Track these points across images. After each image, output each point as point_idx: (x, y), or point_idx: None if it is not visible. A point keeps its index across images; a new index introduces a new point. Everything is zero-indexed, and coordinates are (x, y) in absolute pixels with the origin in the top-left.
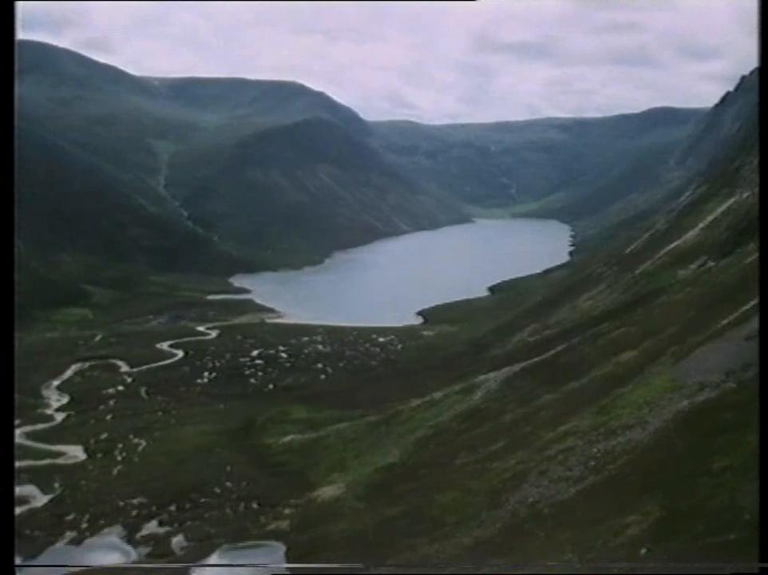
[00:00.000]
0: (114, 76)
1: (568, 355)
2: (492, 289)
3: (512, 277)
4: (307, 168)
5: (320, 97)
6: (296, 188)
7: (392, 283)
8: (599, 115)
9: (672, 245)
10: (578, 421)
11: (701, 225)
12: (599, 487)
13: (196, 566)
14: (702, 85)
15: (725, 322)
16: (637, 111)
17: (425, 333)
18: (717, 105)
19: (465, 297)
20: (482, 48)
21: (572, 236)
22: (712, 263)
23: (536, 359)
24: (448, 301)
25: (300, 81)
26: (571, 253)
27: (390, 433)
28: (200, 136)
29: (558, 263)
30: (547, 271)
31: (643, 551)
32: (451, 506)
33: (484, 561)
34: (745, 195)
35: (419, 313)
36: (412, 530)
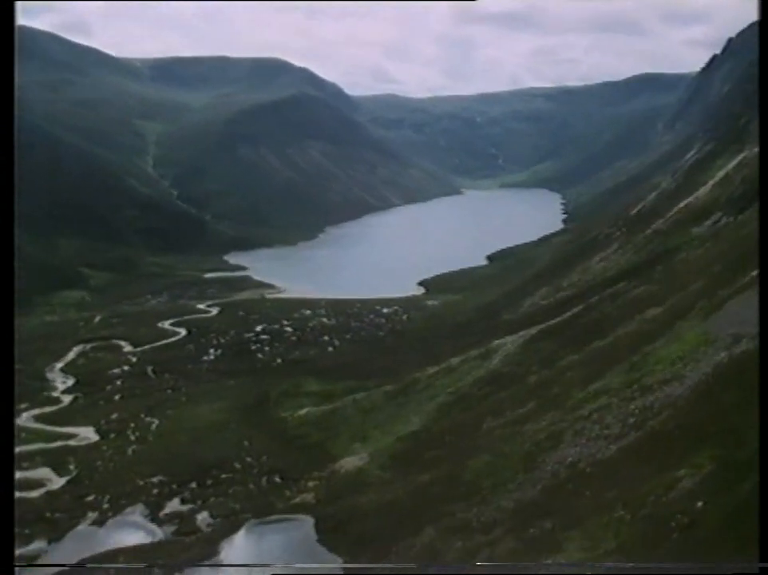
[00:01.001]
0: (97, 59)
1: (588, 315)
2: (490, 258)
3: (510, 245)
4: (296, 144)
5: (305, 72)
6: (286, 164)
7: (389, 255)
8: (582, 84)
9: (683, 203)
10: (609, 379)
11: (711, 182)
12: (642, 443)
13: (196, 566)
14: (686, 50)
15: (754, 273)
16: (622, 78)
17: (429, 303)
18: (704, 69)
19: (464, 266)
20: (465, 19)
21: (564, 204)
22: (727, 219)
23: (554, 321)
24: (448, 271)
25: (283, 58)
26: (564, 220)
27: (409, 401)
28: (187, 116)
29: (552, 230)
30: (545, 238)
31: (700, 504)
32: (485, 471)
33: (529, 523)
34: (756, 150)
35: (420, 283)
36: (447, 496)
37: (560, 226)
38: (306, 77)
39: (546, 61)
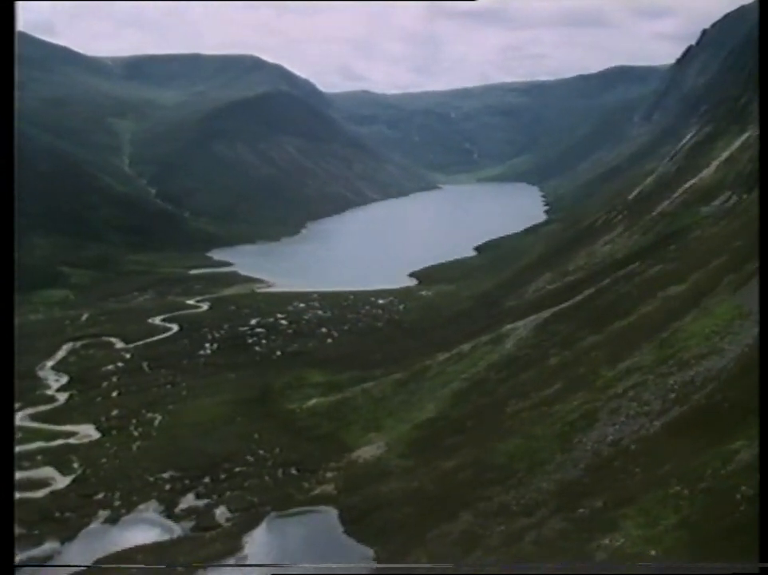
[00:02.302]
0: (66, 56)
1: (604, 296)
2: (478, 249)
3: (495, 237)
4: (272, 140)
5: (278, 69)
6: (262, 160)
7: (376, 249)
8: (552, 78)
9: (688, 184)
10: (639, 357)
11: (716, 163)
12: (688, 418)
13: (197, 567)
14: (655, 43)
15: None
16: (594, 71)
17: (423, 293)
18: (679, 60)
19: (452, 258)
20: (433, 16)
21: (543, 196)
22: (738, 197)
23: (567, 304)
24: (437, 263)
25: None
26: (546, 212)
27: (421, 388)
28: (160, 113)
29: (536, 221)
30: (532, 229)
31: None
32: (517, 453)
33: (576, 503)
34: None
35: (411, 275)
36: (478, 481)
37: (542, 217)
38: (280, 74)
39: (514, 57)
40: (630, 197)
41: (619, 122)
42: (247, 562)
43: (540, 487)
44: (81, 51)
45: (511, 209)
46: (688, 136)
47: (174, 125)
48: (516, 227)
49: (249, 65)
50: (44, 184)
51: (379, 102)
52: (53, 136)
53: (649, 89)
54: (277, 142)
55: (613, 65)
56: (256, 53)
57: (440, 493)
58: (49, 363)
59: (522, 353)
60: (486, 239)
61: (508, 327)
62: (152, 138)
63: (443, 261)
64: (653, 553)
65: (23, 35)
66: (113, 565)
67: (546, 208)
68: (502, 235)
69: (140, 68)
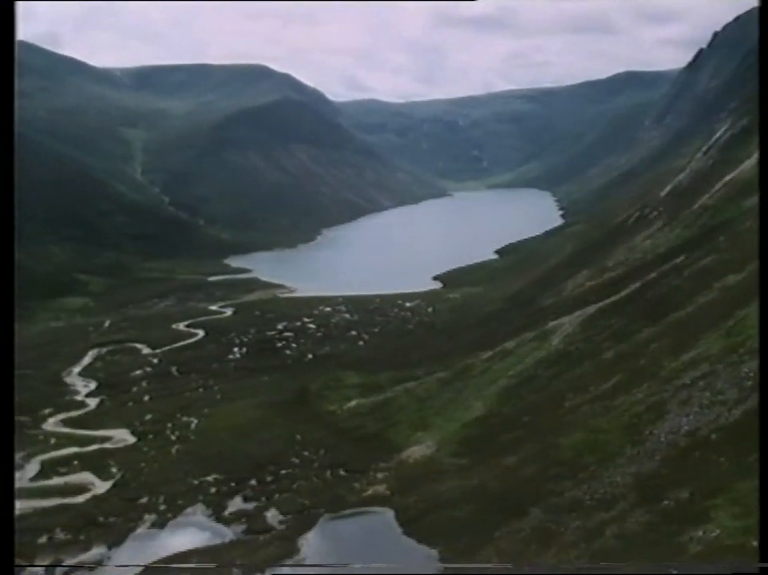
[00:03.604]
0: (73, 67)
1: (654, 289)
2: (499, 252)
3: (514, 240)
4: (283, 148)
5: (286, 78)
6: (274, 168)
7: (396, 254)
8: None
9: (728, 177)
10: (704, 347)
11: (756, 155)
12: None
13: (197, 567)
14: (660, 49)
15: None
16: (599, 78)
17: (450, 296)
18: (691, 63)
19: (474, 261)
20: (438, 24)
21: (557, 201)
22: None
23: (613, 299)
24: (460, 266)
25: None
26: (562, 215)
27: (466, 387)
28: (170, 122)
29: (552, 225)
30: (553, 231)
31: None
32: (583, 447)
33: (659, 495)
34: None
35: (435, 278)
36: (544, 476)
37: (558, 221)
38: (288, 83)
39: (519, 65)
40: (662, 194)
41: (628, 127)
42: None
43: (614, 481)
44: (87, 62)
45: (525, 214)
46: (721, 131)
47: (185, 134)
48: (534, 230)
49: (257, 75)
50: (55, 191)
51: (387, 110)
52: (64, 145)
53: (657, 93)
54: (288, 150)
55: (618, 71)
56: (262, 63)
57: (504, 490)
58: (76, 369)
59: (572, 348)
60: (505, 242)
61: (553, 323)
62: (164, 147)
63: (465, 264)
64: (755, 543)
65: (29, 46)
66: (114, 565)
67: (561, 212)
68: (521, 238)
69: (148, 78)
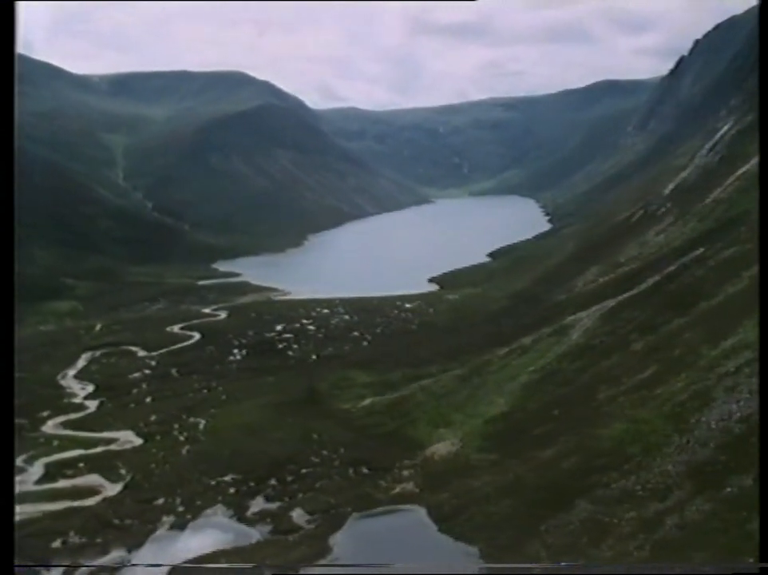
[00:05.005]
0: (51, 72)
1: (677, 281)
2: (492, 255)
3: (506, 244)
4: (266, 153)
5: (266, 85)
6: (258, 173)
7: (386, 257)
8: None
9: (740, 171)
10: (743, 334)
11: None
12: None
13: (197, 567)
14: (636, 59)
15: None
16: (579, 86)
17: (449, 297)
18: (673, 70)
19: (467, 264)
20: (414, 32)
21: (542, 207)
22: None
23: (632, 292)
24: (453, 269)
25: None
26: (549, 220)
27: (485, 383)
28: (151, 128)
29: (540, 229)
30: (547, 233)
31: None
32: (625, 438)
33: (719, 482)
34: None
35: (431, 280)
36: (588, 468)
37: (546, 225)
38: (268, 89)
39: (494, 74)
40: (666, 191)
41: (609, 133)
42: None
43: (665, 470)
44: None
45: (512, 219)
46: (724, 129)
47: (166, 139)
48: (524, 234)
49: (237, 81)
50: (39, 195)
51: (366, 118)
52: (46, 149)
53: (636, 101)
54: (271, 155)
55: (594, 80)
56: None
57: (544, 484)
58: (71, 372)
59: (596, 341)
60: (497, 246)
61: (570, 318)
62: (145, 152)
63: (459, 267)
64: None
65: None
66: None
67: (548, 217)
68: (512, 242)
69: (126, 84)
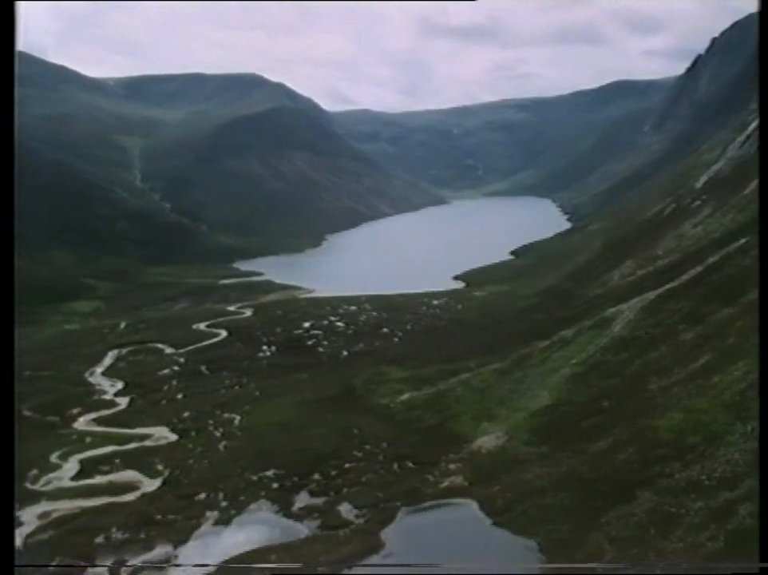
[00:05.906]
0: (64, 75)
1: (721, 272)
2: (515, 253)
3: (528, 242)
4: (281, 154)
5: (280, 87)
6: (274, 174)
7: (408, 256)
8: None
9: None
10: None
11: None
12: None
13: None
14: (646, 60)
15: None
16: (592, 87)
17: (476, 294)
18: (689, 70)
19: (491, 262)
20: (423, 35)
21: (560, 207)
22: None
23: (673, 284)
24: (478, 266)
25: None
26: (569, 219)
27: (526, 376)
28: (166, 130)
29: (560, 229)
30: (571, 230)
31: None
32: (684, 428)
33: None
34: None
35: (456, 278)
36: (647, 459)
37: (566, 224)
38: (282, 91)
39: (503, 77)
40: (698, 185)
41: (624, 134)
42: (393, 562)
43: (731, 459)
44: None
45: (531, 218)
46: (756, 122)
47: (182, 141)
48: (545, 233)
49: (251, 83)
50: (54, 197)
51: (379, 120)
52: (59, 152)
53: (650, 101)
54: (286, 157)
55: (605, 82)
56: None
57: (600, 475)
58: (99, 370)
59: (641, 333)
60: (519, 244)
61: (611, 311)
62: (161, 154)
63: (483, 265)
64: None
65: (20, 53)
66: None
67: (567, 216)
68: (533, 240)
69: (140, 88)
